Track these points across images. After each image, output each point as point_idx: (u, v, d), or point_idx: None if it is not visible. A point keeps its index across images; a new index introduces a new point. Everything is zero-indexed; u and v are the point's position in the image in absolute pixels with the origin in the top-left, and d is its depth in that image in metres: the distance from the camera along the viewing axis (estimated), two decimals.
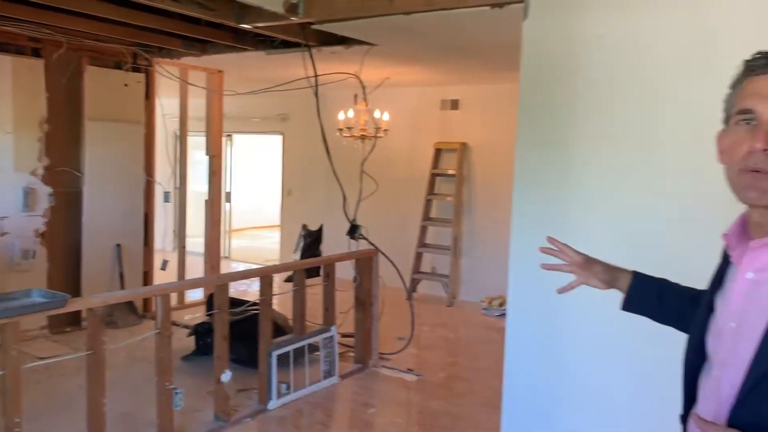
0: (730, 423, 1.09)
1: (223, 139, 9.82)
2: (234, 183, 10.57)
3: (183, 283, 3.80)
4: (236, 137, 10.07)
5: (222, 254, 9.94)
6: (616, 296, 1.53)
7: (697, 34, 2.66)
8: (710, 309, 1.21)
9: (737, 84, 1.15)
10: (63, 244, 5.39)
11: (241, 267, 9.36)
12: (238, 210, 12.22)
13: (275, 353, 3.94)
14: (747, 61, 1.14)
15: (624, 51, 2.84)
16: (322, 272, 4.58)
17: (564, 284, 1.58)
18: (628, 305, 1.51)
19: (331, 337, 4.41)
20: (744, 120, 1.10)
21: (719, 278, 1.23)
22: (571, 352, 2.96)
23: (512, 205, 3.18)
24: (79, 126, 5.41)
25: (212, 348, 4.89)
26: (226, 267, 9.36)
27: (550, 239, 1.59)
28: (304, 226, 8.65)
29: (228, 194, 10.16)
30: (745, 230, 1.17)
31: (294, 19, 3.85)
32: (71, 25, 4.63)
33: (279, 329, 4.70)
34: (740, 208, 1.19)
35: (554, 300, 2.93)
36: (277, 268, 4.15)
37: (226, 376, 3.62)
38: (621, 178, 2.81)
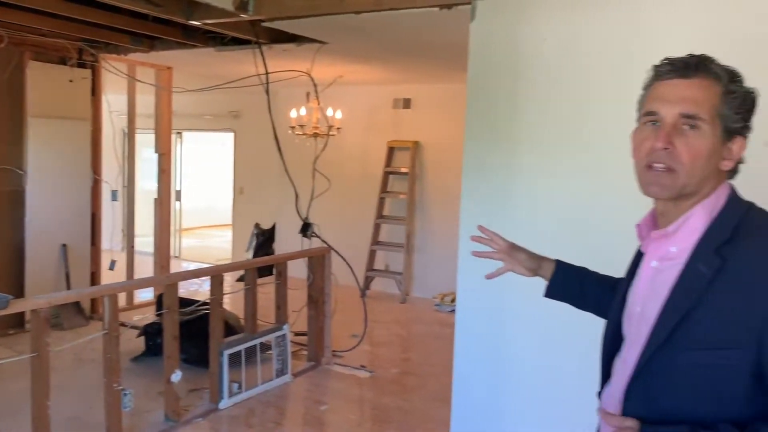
0: (627, 395, 1.22)
1: (173, 136, 9.72)
2: (184, 181, 10.42)
3: (131, 283, 3.74)
4: (186, 135, 9.92)
5: (172, 254, 9.82)
6: None
7: (636, 37, 2.77)
8: (626, 295, 1.32)
9: (647, 87, 1.25)
10: (5, 244, 5.23)
11: (192, 267, 9.24)
12: (188, 209, 12.05)
13: (226, 352, 3.92)
14: (655, 67, 1.24)
15: (565, 53, 2.93)
16: (274, 271, 4.57)
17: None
18: (551, 292, 1.58)
19: (284, 335, 4.41)
20: (650, 121, 1.20)
21: (634, 267, 1.33)
22: (519, 345, 3.04)
23: (460, 200, 3.25)
24: (21, 123, 5.25)
25: (162, 348, 4.87)
26: (177, 267, 9.22)
27: (481, 228, 1.63)
28: (257, 225, 8.60)
29: (178, 193, 10.01)
30: (654, 221, 1.27)
31: (244, 16, 3.83)
32: (13, 19, 4.49)
33: (230, 329, 4.67)
34: None
35: (502, 294, 3.02)
36: (228, 267, 4.12)
37: (176, 376, 3.58)
38: (561, 171, 2.91)
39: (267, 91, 4.56)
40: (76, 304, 5.63)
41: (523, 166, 3.05)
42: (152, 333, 4.74)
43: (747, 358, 1.10)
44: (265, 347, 4.37)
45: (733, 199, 1.21)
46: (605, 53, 2.84)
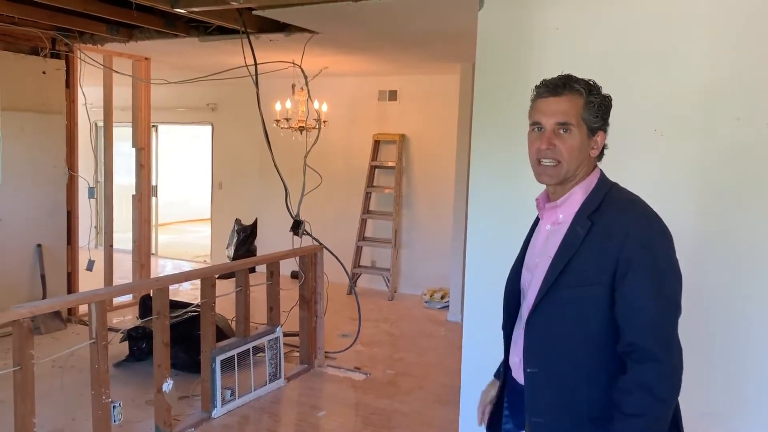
0: (527, 325, 1.64)
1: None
2: (160, 176, 10.11)
3: (119, 288, 3.50)
4: (162, 128, 9.61)
5: (150, 251, 9.53)
6: None
7: (650, 25, 2.65)
8: (524, 255, 1.76)
9: (532, 102, 1.66)
10: None
11: (170, 264, 8.97)
12: (164, 203, 11.74)
13: (219, 358, 3.74)
14: (536, 87, 1.66)
15: (578, 42, 2.80)
16: (263, 270, 4.38)
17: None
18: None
19: (277, 338, 4.23)
20: (536, 128, 1.63)
21: (531, 232, 1.79)
22: None
23: (468, 201, 3.13)
24: None
25: (147, 354, 4.65)
26: (154, 264, 8.94)
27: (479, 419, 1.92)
28: (238, 221, 8.36)
29: (154, 188, 9.69)
30: (548, 197, 1.71)
31: (234, 4, 3.62)
32: None
33: (219, 332, 4.47)
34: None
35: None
36: (219, 269, 3.92)
37: (167, 386, 3.39)
38: None
39: (256, 83, 4.35)
40: None
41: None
42: (136, 337, 4.52)
43: (604, 293, 1.51)
44: (256, 350, 4.19)
45: (601, 180, 1.64)
46: (619, 42, 2.72)
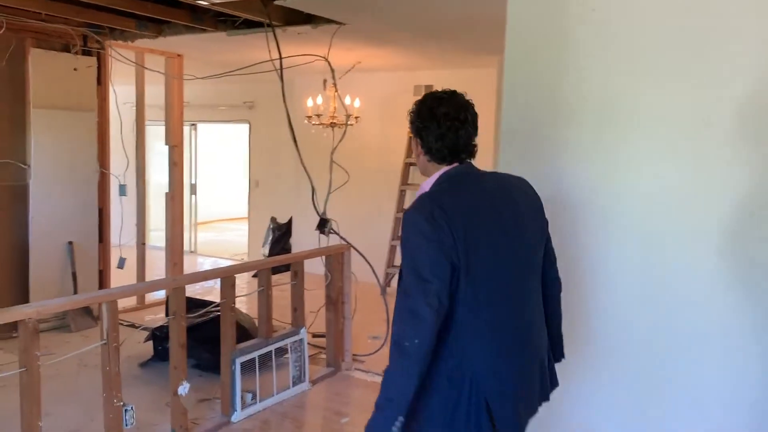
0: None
1: (187, 128, 9.43)
2: (199, 174, 10.15)
3: (133, 288, 3.41)
4: (201, 126, 9.63)
5: (188, 249, 9.57)
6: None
7: (695, 7, 2.39)
8: None
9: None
10: (7, 243, 4.97)
11: (208, 262, 8.97)
12: (204, 202, 11.81)
13: (239, 360, 3.61)
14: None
15: (617, 25, 2.56)
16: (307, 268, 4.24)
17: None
18: None
19: (301, 340, 4.09)
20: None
21: None
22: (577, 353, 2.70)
23: None
24: (23, 114, 4.97)
25: None
26: (192, 262, 8.97)
27: None
28: (273, 219, 8.30)
29: (193, 186, 9.75)
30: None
31: None
32: (11, 3, 4.21)
33: (244, 332, 4.36)
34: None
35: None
36: (240, 268, 3.81)
37: (183, 389, 3.28)
38: (613, 154, 2.54)
39: (281, 77, 4.23)
40: None
41: (570, 149, 2.69)
42: (161, 337, 4.45)
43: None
44: (280, 350, 4.06)
45: (441, 176, 1.85)
46: (662, 25, 2.47)
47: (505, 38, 2.80)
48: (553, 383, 2.00)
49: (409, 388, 1.65)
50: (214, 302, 4.61)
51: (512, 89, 2.86)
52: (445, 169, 1.85)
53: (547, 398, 1.96)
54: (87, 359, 4.42)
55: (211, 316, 4.34)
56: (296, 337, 4.06)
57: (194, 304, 4.83)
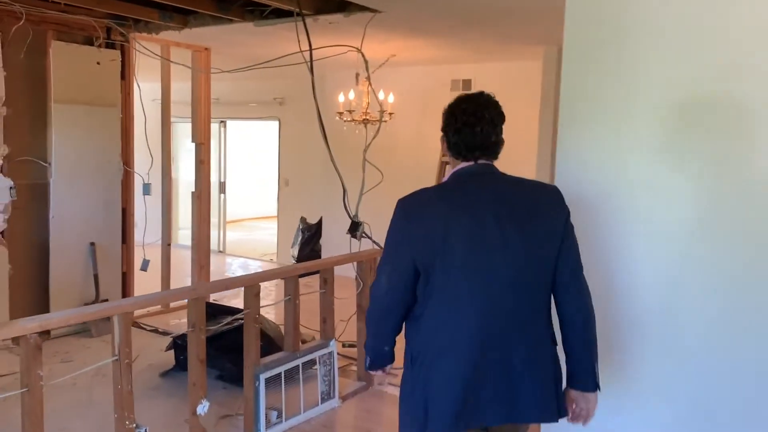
0: None
1: (217, 125, 9.24)
2: (229, 173, 9.96)
3: (149, 298, 3.10)
4: (230, 123, 9.42)
5: (217, 249, 9.38)
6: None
7: None
8: None
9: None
10: (27, 243, 4.77)
11: (236, 263, 8.76)
12: (234, 200, 11.64)
13: (263, 376, 3.33)
14: None
15: (694, 8, 2.20)
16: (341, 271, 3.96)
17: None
18: None
19: (330, 353, 3.80)
20: None
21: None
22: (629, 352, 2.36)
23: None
24: (44, 109, 4.77)
25: None
26: (220, 262, 8.77)
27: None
28: (303, 220, 8.04)
29: (222, 185, 9.55)
30: None
31: None
32: None
33: (270, 342, 4.09)
34: None
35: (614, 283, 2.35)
36: (267, 275, 3.52)
37: (202, 408, 3.01)
38: (691, 160, 2.20)
39: (311, 70, 3.93)
40: (105, 302, 5.15)
41: (636, 154, 2.35)
42: (182, 346, 4.19)
43: None
44: (308, 362, 3.77)
45: (454, 172, 1.97)
46: (741, 11, 2.11)
47: (555, 28, 2.49)
48: (560, 410, 1.94)
49: (370, 342, 2.05)
50: (239, 309, 4.35)
51: (571, 77, 2.53)
52: (460, 166, 1.96)
53: (549, 418, 1.94)
54: (107, 369, 4.20)
55: (236, 324, 4.07)
56: (325, 350, 3.76)
57: (218, 310, 4.58)
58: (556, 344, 1.96)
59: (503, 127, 1.97)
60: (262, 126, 10.33)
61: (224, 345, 4.11)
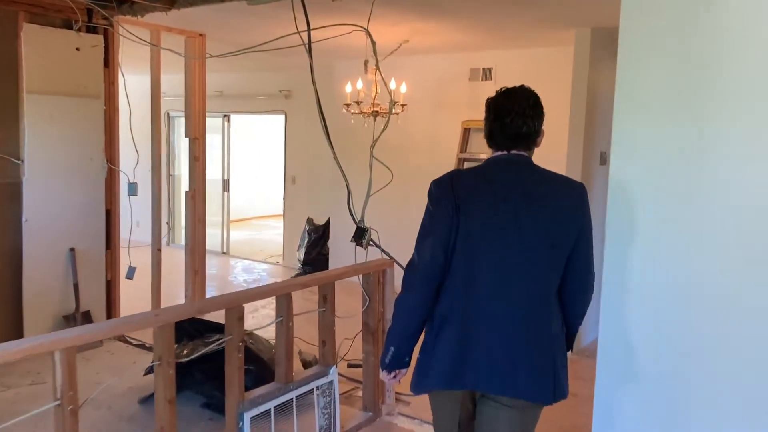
0: None
1: (220, 119, 8.74)
2: (235, 169, 9.47)
3: (93, 330, 2.43)
4: (234, 117, 8.92)
5: (221, 250, 8.89)
6: None
7: None
8: None
9: None
10: None
11: (240, 265, 8.25)
12: (241, 198, 11.18)
13: (248, 415, 2.81)
14: None
15: None
16: (320, 293, 3.42)
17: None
18: None
19: (330, 382, 3.26)
20: None
21: None
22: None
23: (608, 197, 2.09)
24: (15, 100, 4.27)
25: (179, 386, 3.84)
26: (224, 264, 8.28)
27: None
28: (310, 220, 7.52)
29: (226, 182, 9.06)
30: None
31: None
32: None
33: (262, 367, 3.58)
34: None
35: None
36: (253, 294, 2.99)
37: None
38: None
39: (309, 52, 3.39)
40: (86, 316, 4.68)
41: (703, 147, 1.82)
42: None
43: None
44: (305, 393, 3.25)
45: (487, 160, 2.09)
46: None
47: (588, 7, 2.09)
48: (557, 393, 1.98)
49: (401, 325, 2.01)
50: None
51: (630, 52, 1.98)
52: (494, 155, 2.06)
53: (543, 398, 1.97)
54: (90, 391, 3.71)
55: (222, 346, 3.55)
56: (324, 380, 3.23)
57: (207, 327, 4.06)
58: (567, 345, 2.07)
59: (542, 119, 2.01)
60: (269, 120, 9.82)
61: (211, 369, 3.59)
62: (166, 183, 9.08)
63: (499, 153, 2.03)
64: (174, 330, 2.50)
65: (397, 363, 2.03)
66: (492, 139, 2.05)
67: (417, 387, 2.05)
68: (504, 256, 1.92)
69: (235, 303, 2.73)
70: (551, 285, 1.97)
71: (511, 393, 1.95)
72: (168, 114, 8.89)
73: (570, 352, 2.12)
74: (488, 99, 2.07)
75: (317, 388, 3.21)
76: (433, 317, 2.00)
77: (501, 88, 2.06)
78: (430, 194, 2.03)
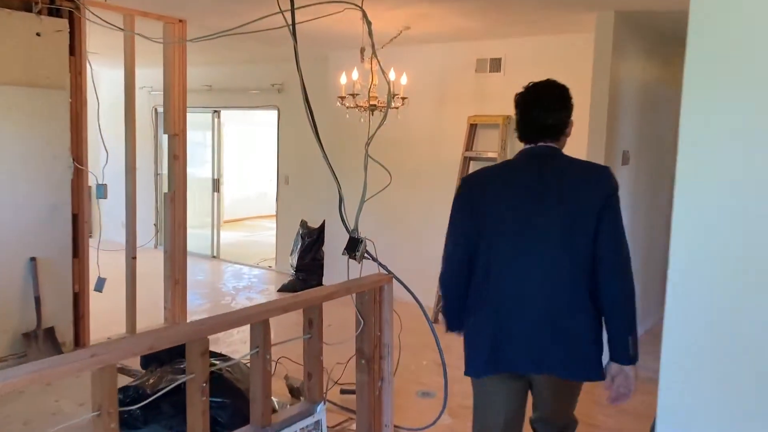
0: None
1: (209, 115, 8.26)
2: (225, 168, 8.98)
3: (18, 374, 2.07)
4: (225, 113, 8.43)
5: (211, 254, 8.41)
6: None
7: None
8: None
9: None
10: None
11: (230, 270, 7.76)
12: (234, 197, 10.75)
13: None
14: None
15: None
16: (305, 318, 2.93)
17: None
18: None
19: (317, 422, 2.77)
20: None
21: None
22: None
23: (675, 188, 1.61)
24: None
25: (142, 422, 3.36)
26: (215, 270, 7.79)
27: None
28: (303, 223, 7.03)
29: (216, 182, 8.57)
30: None
31: None
32: None
33: (240, 399, 3.11)
34: None
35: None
36: (219, 323, 2.48)
37: None
38: None
39: (293, 33, 2.90)
40: (49, 333, 4.20)
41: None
42: (124, 402, 3.21)
43: None
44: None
45: (518, 153, 2.23)
46: None
47: None
48: (590, 372, 2.08)
49: (445, 305, 2.44)
50: (212, 352, 3.34)
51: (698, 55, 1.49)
52: (523, 148, 2.20)
53: (576, 375, 2.13)
54: (35, 413, 3.23)
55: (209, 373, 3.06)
56: (310, 420, 2.74)
57: (179, 351, 3.59)
58: (599, 321, 2.09)
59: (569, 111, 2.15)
60: (260, 116, 9.34)
61: (181, 401, 3.10)
62: (154, 183, 8.60)
63: (528, 146, 2.17)
64: (116, 374, 2.00)
65: (456, 316, 2.34)
66: (519, 133, 2.19)
67: (468, 372, 2.29)
68: (526, 241, 2.07)
69: (197, 335, 2.24)
70: (576, 266, 2.03)
71: (545, 370, 2.10)
72: (155, 110, 8.40)
73: (633, 365, 2.08)
74: (516, 95, 2.19)
75: (301, 430, 2.72)
76: (468, 308, 2.22)
77: (529, 83, 2.17)
78: (459, 189, 2.29)
